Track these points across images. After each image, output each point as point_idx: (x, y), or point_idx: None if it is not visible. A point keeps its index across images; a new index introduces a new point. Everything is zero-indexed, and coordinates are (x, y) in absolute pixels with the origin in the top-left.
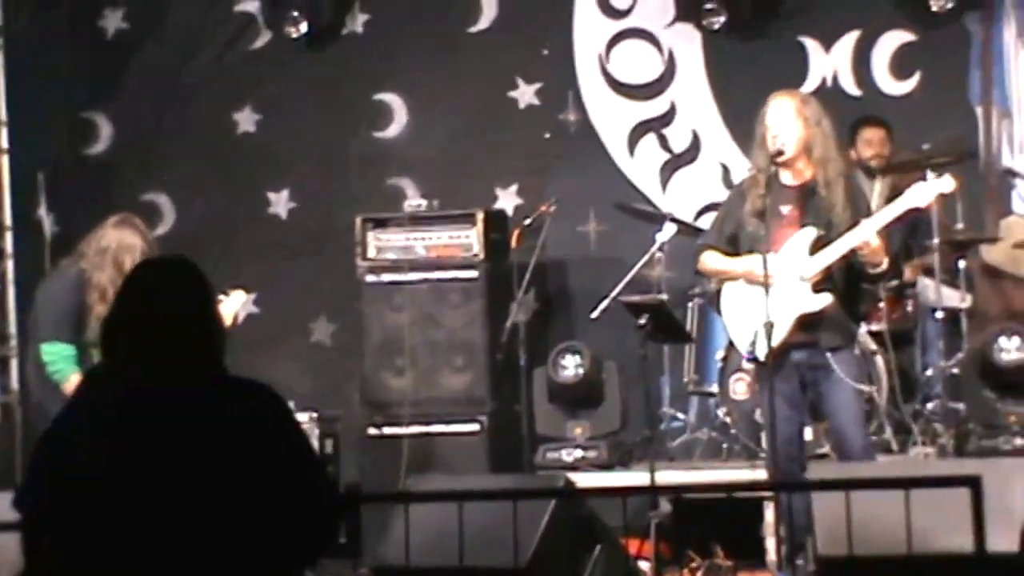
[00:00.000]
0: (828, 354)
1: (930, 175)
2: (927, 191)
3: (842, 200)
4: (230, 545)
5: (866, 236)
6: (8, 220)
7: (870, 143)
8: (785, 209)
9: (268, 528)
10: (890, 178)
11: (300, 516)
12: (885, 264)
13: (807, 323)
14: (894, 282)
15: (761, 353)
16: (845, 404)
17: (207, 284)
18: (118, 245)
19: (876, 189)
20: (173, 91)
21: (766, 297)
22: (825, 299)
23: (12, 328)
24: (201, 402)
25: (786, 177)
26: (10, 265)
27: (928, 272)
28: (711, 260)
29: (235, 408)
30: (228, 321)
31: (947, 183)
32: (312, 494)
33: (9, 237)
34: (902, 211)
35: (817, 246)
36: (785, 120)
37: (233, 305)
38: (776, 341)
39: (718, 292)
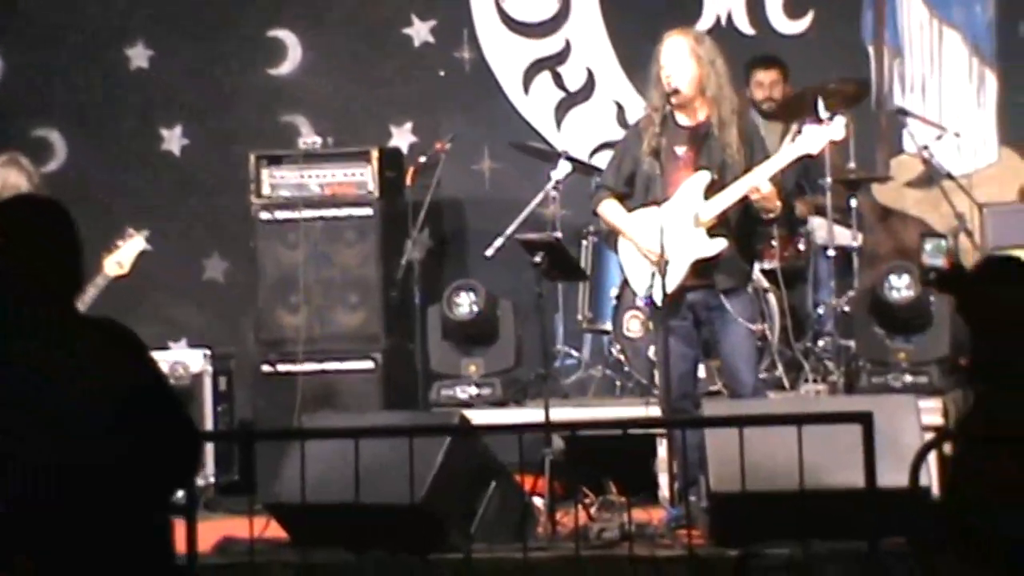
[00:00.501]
0: (722, 296)
1: (823, 112)
2: (818, 138)
3: (736, 140)
4: (89, 482)
5: (758, 182)
6: None
7: (762, 85)
8: (680, 150)
9: (128, 464)
10: (784, 118)
11: (159, 451)
12: (778, 209)
13: (702, 266)
14: (786, 219)
15: (658, 297)
16: (737, 343)
17: (72, 227)
18: (3, 184)
19: (772, 130)
20: (65, 25)
21: (660, 242)
22: (720, 244)
23: None
24: (55, 342)
25: (681, 118)
26: None
27: (820, 211)
28: (608, 211)
29: (89, 348)
30: (127, 266)
31: (838, 130)
32: (170, 429)
33: None
34: (794, 158)
35: (711, 190)
36: (679, 59)
37: (133, 250)
38: (672, 285)
39: (615, 233)
